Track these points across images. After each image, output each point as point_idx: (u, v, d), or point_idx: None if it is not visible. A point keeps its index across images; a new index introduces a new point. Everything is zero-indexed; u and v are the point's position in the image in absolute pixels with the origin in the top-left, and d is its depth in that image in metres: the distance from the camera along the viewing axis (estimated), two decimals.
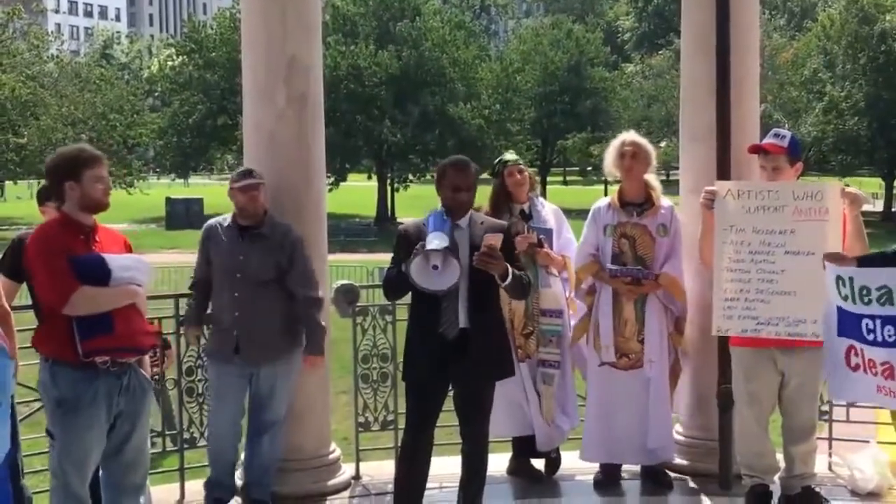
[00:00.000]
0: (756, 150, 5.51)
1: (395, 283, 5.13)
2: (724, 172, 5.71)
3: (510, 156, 6.39)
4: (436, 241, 4.82)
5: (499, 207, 6.25)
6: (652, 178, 6.18)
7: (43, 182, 5.44)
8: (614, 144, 6.15)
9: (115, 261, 4.61)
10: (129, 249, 4.85)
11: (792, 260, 5.18)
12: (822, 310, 4.96)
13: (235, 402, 5.77)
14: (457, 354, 5.04)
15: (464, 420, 5.26)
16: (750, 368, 5.40)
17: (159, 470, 6.34)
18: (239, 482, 5.91)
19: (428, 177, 44.25)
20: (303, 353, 5.71)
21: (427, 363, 5.11)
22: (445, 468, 5.70)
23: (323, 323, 5.76)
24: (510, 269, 4.95)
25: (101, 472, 4.75)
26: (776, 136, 5.44)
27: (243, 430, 5.88)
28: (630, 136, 6.15)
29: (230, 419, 5.79)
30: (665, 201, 6.14)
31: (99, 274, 4.53)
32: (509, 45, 69.08)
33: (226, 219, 5.80)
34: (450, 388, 5.28)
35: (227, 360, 5.64)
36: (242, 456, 5.88)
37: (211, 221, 5.87)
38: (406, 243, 5.08)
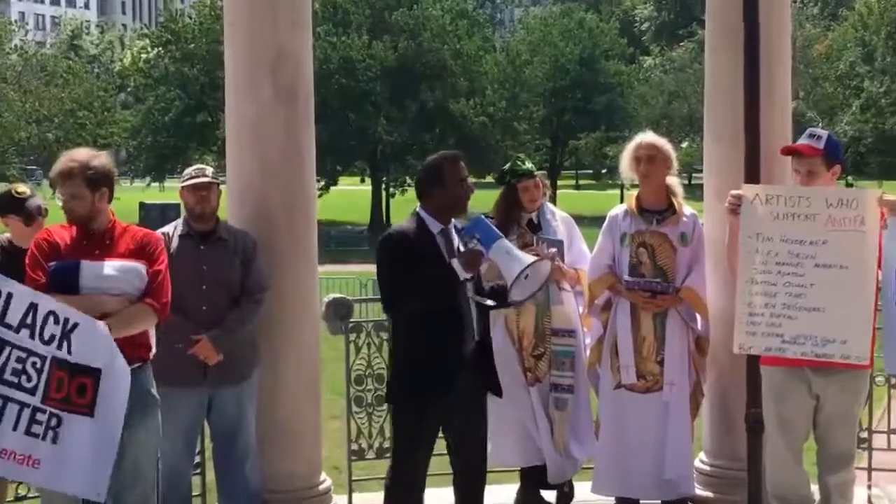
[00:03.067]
0: (789, 151, 5.51)
1: (412, 292, 5.10)
2: (752, 175, 5.70)
3: (526, 165, 6.36)
4: (516, 253, 5.05)
5: (508, 219, 6.24)
6: (674, 183, 6.18)
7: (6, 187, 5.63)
8: (630, 147, 6.16)
9: (94, 269, 4.78)
10: (145, 252, 4.96)
11: (822, 273, 5.17)
12: (853, 329, 4.98)
13: (192, 432, 5.77)
14: (468, 369, 5.14)
15: (462, 445, 5.30)
16: (781, 391, 5.39)
17: None
18: None
19: None
20: (207, 336, 5.53)
21: (443, 381, 5.12)
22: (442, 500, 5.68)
23: (246, 326, 5.67)
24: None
25: None
26: (811, 136, 5.41)
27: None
28: (647, 137, 6.16)
29: (186, 450, 5.76)
30: (687, 208, 6.14)
31: (68, 281, 4.72)
32: (516, 35, 69.10)
33: (176, 226, 5.76)
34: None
35: (187, 386, 5.55)
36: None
37: (157, 233, 5.69)
38: (407, 254, 5.10)
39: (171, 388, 5.50)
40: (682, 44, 53.12)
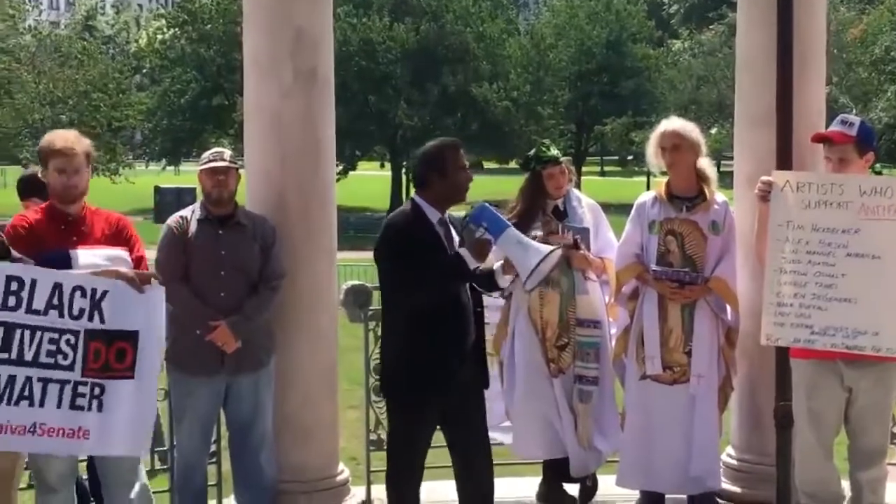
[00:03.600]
0: (820, 139, 5.48)
1: (438, 282, 5.14)
2: (784, 162, 5.68)
3: (550, 151, 6.33)
4: (530, 244, 5.05)
5: (532, 206, 6.23)
6: (707, 168, 6.15)
7: (28, 169, 5.72)
8: (655, 135, 6.15)
9: (85, 257, 4.88)
10: (122, 237, 5.09)
11: (854, 263, 5.14)
12: (886, 320, 4.96)
13: (208, 421, 5.81)
14: (468, 364, 5.17)
15: (464, 442, 5.33)
16: (812, 384, 5.37)
17: None
18: None
19: None
20: (226, 322, 5.54)
21: (444, 379, 5.14)
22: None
23: (263, 314, 5.70)
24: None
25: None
26: (843, 123, 5.39)
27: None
28: (671, 125, 6.11)
29: (202, 441, 5.80)
30: (719, 196, 6.11)
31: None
32: (541, 18, 68.94)
33: (193, 210, 5.76)
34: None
35: (204, 373, 5.60)
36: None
37: (174, 217, 5.77)
38: (414, 243, 5.09)
39: (189, 376, 5.54)
40: (711, 27, 52.83)
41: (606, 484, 6.42)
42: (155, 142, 52.37)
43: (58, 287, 4.57)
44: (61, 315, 4.57)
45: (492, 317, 6.43)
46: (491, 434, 6.39)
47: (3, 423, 4.44)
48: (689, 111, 39.37)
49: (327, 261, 6.10)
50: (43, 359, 4.51)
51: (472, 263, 5.03)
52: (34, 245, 4.89)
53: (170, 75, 50.56)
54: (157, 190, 46.15)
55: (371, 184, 52.17)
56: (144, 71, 57.33)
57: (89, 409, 4.62)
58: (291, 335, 5.97)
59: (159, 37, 53.95)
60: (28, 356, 4.47)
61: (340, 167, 45.10)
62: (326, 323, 6.12)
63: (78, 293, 4.62)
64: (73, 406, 4.58)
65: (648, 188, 6.08)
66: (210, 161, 5.68)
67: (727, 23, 43.56)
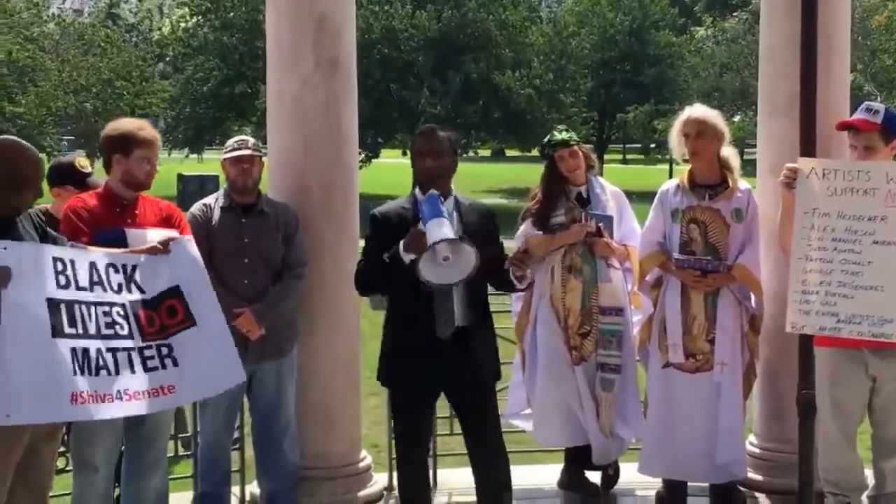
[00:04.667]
0: (844, 126, 5.45)
1: (377, 275, 5.14)
2: (808, 149, 5.63)
3: (560, 135, 6.30)
4: (443, 229, 4.80)
5: (552, 194, 6.23)
6: (731, 155, 6.12)
7: (57, 157, 5.80)
8: (678, 122, 6.11)
9: (140, 237, 5.00)
10: (171, 222, 5.22)
11: (881, 250, 5.11)
12: None
13: (232, 407, 5.83)
14: (452, 357, 5.08)
15: (474, 438, 5.32)
16: (836, 372, 5.35)
17: (170, 476, 6.39)
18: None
19: (471, 153, 44.17)
20: (250, 309, 5.58)
21: (417, 368, 5.14)
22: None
23: (287, 301, 5.73)
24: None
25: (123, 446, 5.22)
26: (868, 111, 5.37)
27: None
28: (694, 112, 6.08)
29: (226, 426, 5.84)
30: (742, 183, 6.09)
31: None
32: (563, 5, 68.70)
33: (217, 198, 5.79)
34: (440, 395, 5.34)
35: None
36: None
37: (198, 204, 5.81)
38: (384, 230, 5.12)
39: None
40: (735, 14, 52.62)
41: (628, 471, 6.42)
42: (178, 130, 52.40)
43: (93, 265, 4.66)
44: (104, 290, 4.66)
45: (514, 305, 6.45)
46: (513, 422, 6.46)
47: (91, 393, 4.50)
48: (712, 99, 39.17)
49: (350, 248, 6.11)
50: (104, 330, 4.60)
51: (405, 256, 4.91)
52: (93, 226, 5.02)
53: (192, 63, 50.59)
54: (180, 178, 46.25)
55: (392, 171, 52.16)
56: (167, 59, 57.43)
57: (164, 367, 4.72)
58: (314, 323, 5.99)
59: (182, 25, 54.01)
60: (92, 329, 4.55)
61: (363, 155, 45.11)
62: (349, 311, 6.14)
63: (111, 269, 4.72)
64: (146, 369, 4.67)
65: (671, 176, 6.05)
66: (235, 149, 5.70)
67: (750, 10, 43.36)
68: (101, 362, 4.54)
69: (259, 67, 40.59)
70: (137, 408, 4.66)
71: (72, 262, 4.58)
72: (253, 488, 6.18)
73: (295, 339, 5.83)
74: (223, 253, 5.57)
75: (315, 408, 6.05)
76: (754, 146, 6.54)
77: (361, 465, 6.28)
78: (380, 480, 6.42)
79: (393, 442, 6.53)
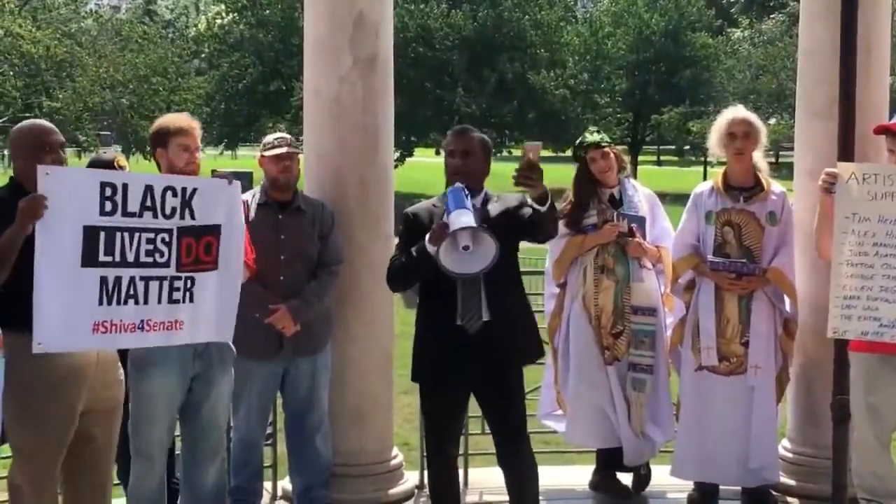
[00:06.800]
0: (882, 130, 5.42)
1: (406, 269, 5.15)
2: (846, 153, 5.59)
3: (591, 136, 6.30)
4: (463, 218, 4.81)
5: (585, 195, 6.23)
6: (759, 159, 6.11)
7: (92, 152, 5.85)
8: (721, 122, 6.08)
9: None
10: None
11: None
12: None
13: (266, 404, 5.88)
14: (477, 352, 5.05)
15: (498, 426, 5.31)
16: (872, 377, 5.32)
17: None
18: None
19: (504, 153, 44.15)
20: (286, 305, 5.60)
21: (443, 364, 5.14)
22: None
23: (323, 298, 5.75)
24: (549, 194, 4.93)
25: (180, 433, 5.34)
26: None
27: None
28: (740, 112, 6.07)
29: (260, 422, 5.87)
30: (776, 186, 6.07)
31: None
32: (599, 6, 68.53)
33: (254, 195, 5.82)
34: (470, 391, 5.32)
35: (262, 358, 5.67)
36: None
37: None
38: (415, 228, 5.15)
39: (247, 359, 5.58)
40: (772, 16, 52.36)
41: (660, 474, 6.40)
42: (213, 126, 52.59)
43: (149, 189, 4.69)
44: (155, 216, 4.70)
45: (546, 306, 6.45)
46: (545, 422, 6.45)
47: (116, 323, 4.58)
48: (748, 101, 38.97)
49: (384, 247, 6.12)
50: (143, 258, 4.65)
51: (430, 248, 4.92)
52: None
53: (228, 60, 50.84)
54: (214, 173, 46.48)
55: (427, 170, 52.18)
56: (203, 55, 57.69)
57: (183, 301, 4.78)
58: (348, 321, 6.01)
59: (218, 21, 54.27)
60: (130, 257, 4.61)
61: (397, 154, 45.15)
62: (383, 309, 6.15)
63: (169, 193, 4.75)
64: (171, 300, 4.74)
65: (705, 178, 6.01)
66: (275, 146, 5.73)
67: (788, 12, 43.14)
68: (131, 291, 4.62)
69: (294, 65, 40.75)
70: (150, 340, 4.74)
71: (124, 186, 4.62)
72: (285, 483, 6.21)
73: (329, 336, 5.85)
74: (259, 249, 5.57)
75: (347, 405, 6.06)
76: (790, 149, 6.50)
77: (393, 462, 6.29)
78: (411, 479, 6.43)
79: (424, 440, 6.57)
